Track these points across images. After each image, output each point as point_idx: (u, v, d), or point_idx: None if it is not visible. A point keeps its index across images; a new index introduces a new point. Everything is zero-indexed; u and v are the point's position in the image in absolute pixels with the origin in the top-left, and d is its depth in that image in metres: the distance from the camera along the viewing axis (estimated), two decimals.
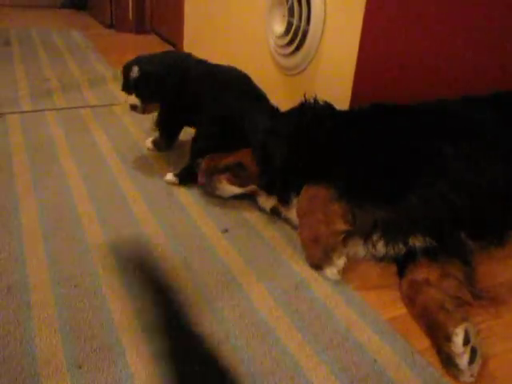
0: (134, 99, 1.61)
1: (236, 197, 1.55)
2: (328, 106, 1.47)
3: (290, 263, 1.27)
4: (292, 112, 1.53)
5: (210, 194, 1.56)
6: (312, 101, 1.48)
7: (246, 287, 1.17)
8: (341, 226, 1.25)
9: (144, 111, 1.65)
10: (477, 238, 1.28)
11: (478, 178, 1.30)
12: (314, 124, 1.44)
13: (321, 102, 1.48)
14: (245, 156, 1.52)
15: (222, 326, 1.05)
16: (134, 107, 1.63)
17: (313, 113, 1.46)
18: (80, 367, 0.92)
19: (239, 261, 1.27)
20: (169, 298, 1.10)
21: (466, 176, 1.28)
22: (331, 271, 1.22)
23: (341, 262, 1.22)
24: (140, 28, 4.24)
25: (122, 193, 1.56)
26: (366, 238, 1.27)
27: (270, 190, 1.47)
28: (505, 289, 1.24)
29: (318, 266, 1.24)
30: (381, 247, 1.27)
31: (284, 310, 1.11)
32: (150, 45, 3.81)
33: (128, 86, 1.61)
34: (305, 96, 1.49)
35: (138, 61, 1.61)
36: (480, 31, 1.76)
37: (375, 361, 0.99)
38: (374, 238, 1.26)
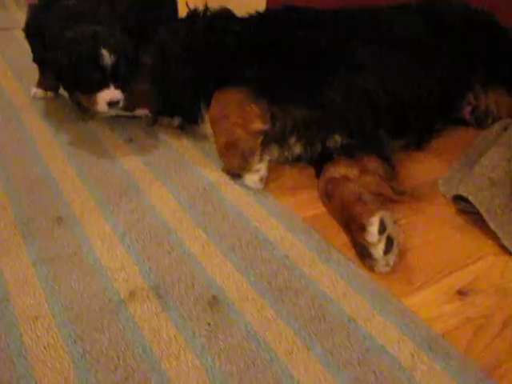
0: (115, 93, 1.17)
1: None
2: (227, 10, 1.34)
3: (198, 168, 1.17)
4: (183, 22, 1.37)
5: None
6: (202, 8, 1.34)
7: (148, 192, 1.06)
8: (259, 125, 1.13)
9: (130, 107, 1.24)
10: (396, 136, 1.21)
11: (397, 77, 1.26)
12: (218, 30, 1.30)
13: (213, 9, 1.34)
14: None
15: (117, 229, 0.93)
16: (115, 104, 1.18)
17: (211, 18, 1.31)
18: None
19: (142, 168, 1.15)
20: None
21: (385, 74, 1.24)
22: (251, 179, 1.11)
23: (262, 166, 1.11)
24: None
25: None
26: (282, 141, 1.17)
27: (171, 113, 1.32)
28: (426, 187, 1.18)
29: (236, 173, 1.13)
30: (298, 149, 1.17)
31: (189, 211, 1.01)
32: None
33: (93, 80, 1.15)
34: (187, 5, 1.35)
35: (95, 36, 1.14)
36: None
37: (287, 256, 0.91)
38: (291, 140, 1.16)
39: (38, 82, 1.46)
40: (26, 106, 1.41)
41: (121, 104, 1.16)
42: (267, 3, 1.55)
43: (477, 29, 1.44)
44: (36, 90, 1.46)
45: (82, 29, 1.14)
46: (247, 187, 1.10)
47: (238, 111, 1.15)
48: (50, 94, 1.46)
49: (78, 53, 1.10)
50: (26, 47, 1.74)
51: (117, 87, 1.14)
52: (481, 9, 1.50)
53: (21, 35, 1.88)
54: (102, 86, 1.13)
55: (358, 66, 1.22)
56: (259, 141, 1.13)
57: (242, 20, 1.33)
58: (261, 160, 1.11)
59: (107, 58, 1.11)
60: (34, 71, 1.50)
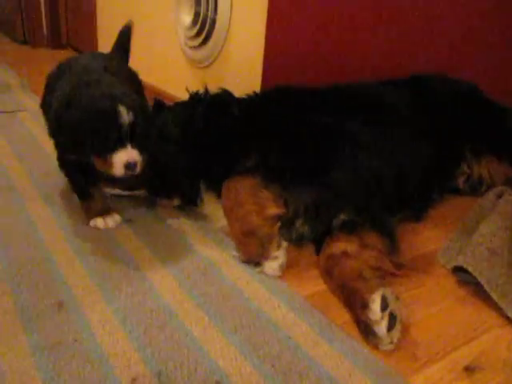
0: (132, 154, 1.06)
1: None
2: (226, 93, 1.39)
3: (198, 247, 1.17)
4: (184, 105, 1.42)
5: None
6: (203, 91, 1.39)
7: (148, 273, 1.05)
8: (274, 210, 1.14)
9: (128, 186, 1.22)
10: (397, 211, 1.23)
11: (397, 153, 1.31)
12: (216, 113, 1.35)
13: (213, 92, 1.39)
14: None
15: (118, 313, 0.92)
16: (133, 167, 1.07)
17: (210, 103, 1.36)
18: None
19: (142, 248, 1.15)
20: None
21: (387, 151, 1.29)
22: (271, 266, 1.08)
23: (280, 253, 1.09)
24: (56, 43, 4.07)
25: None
26: (291, 223, 1.18)
27: (169, 194, 1.34)
28: (426, 259, 1.19)
29: (255, 262, 1.10)
30: (304, 230, 1.18)
31: (189, 293, 1.00)
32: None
33: (111, 139, 1.05)
34: (187, 89, 1.40)
35: (112, 94, 1.07)
36: (390, 23, 1.74)
37: (289, 338, 0.90)
38: (299, 222, 1.17)
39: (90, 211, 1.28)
40: (28, 188, 1.43)
41: (138, 168, 1.06)
42: (262, 83, 1.61)
43: (462, 101, 1.49)
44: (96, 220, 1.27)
45: (98, 89, 1.08)
46: (247, 266, 1.10)
47: (251, 198, 1.16)
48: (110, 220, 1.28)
49: (96, 110, 1.03)
50: (29, 129, 1.79)
51: (134, 148, 1.05)
52: (464, 81, 1.57)
53: (24, 117, 1.95)
54: (119, 146, 1.04)
55: (361, 145, 1.25)
56: (277, 227, 1.13)
57: (240, 103, 1.37)
58: (279, 246, 1.10)
59: (125, 115, 1.03)
60: (35, 153, 1.53)
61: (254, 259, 1.10)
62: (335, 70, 1.70)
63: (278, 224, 1.13)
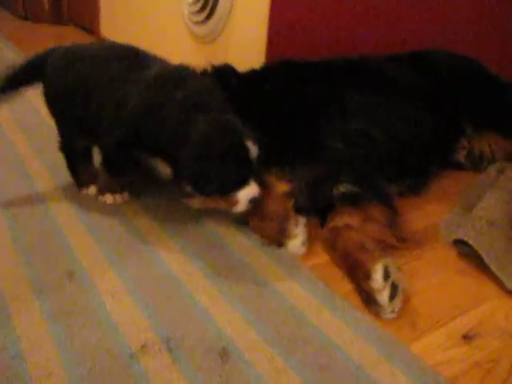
0: (255, 188, 1.01)
1: None
2: (228, 67, 1.39)
3: (206, 222, 1.19)
4: None
5: None
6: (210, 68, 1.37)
7: (156, 245, 1.08)
8: (283, 187, 1.16)
9: None
10: (394, 181, 1.24)
11: (394, 121, 1.33)
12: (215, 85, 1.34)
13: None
14: None
15: (127, 283, 0.95)
16: (255, 200, 1.02)
17: (211, 75, 1.36)
18: None
19: (150, 222, 1.17)
20: None
21: (382, 118, 1.31)
22: (293, 245, 1.09)
23: (300, 230, 1.08)
24: (57, 18, 4.03)
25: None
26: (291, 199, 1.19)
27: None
28: (427, 232, 1.21)
29: (278, 243, 1.10)
30: (306, 205, 1.19)
31: (197, 264, 1.03)
32: (68, 34, 3.62)
33: (239, 177, 0.98)
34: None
35: (234, 127, 0.98)
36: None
37: (294, 307, 0.93)
38: (300, 199, 1.18)
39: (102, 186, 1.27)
40: (35, 161, 1.44)
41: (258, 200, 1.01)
42: (266, 58, 1.61)
43: (465, 75, 1.50)
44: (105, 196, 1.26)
45: (212, 119, 0.97)
46: (253, 239, 1.12)
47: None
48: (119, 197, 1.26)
49: (226, 147, 0.94)
50: (33, 104, 1.79)
51: (255, 180, 0.99)
52: (467, 56, 1.57)
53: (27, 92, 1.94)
54: (245, 182, 0.98)
55: (355, 112, 1.26)
56: (290, 205, 1.13)
57: (241, 75, 1.37)
58: (297, 224, 1.09)
59: (253, 150, 0.96)
60: (40, 127, 1.54)
61: (276, 241, 1.10)
62: (340, 45, 1.70)
63: (292, 201, 1.13)
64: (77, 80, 1.12)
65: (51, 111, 1.22)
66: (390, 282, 0.92)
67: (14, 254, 1.03)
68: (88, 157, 1.28)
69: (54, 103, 1.20)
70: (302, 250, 1.09)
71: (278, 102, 1.27)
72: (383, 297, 0.91)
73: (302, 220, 1.11)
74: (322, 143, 1.22)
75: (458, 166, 1.54)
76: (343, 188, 1.17)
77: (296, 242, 1.09)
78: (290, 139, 1.23)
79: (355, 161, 1.21)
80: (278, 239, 1.10)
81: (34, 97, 1.96)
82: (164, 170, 1.05)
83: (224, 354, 0.82)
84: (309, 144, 1.22)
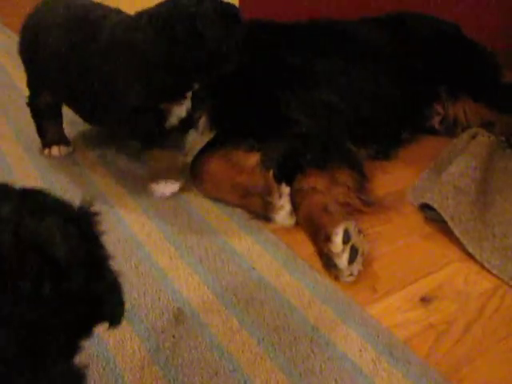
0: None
1: None
2: None
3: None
4: None
5: None
6: None
7: (117, 207, 1.07)
8: (253, 158, 1.14)
9: None
10: (361, 145, 1.23)
11: (359, 89, 1.30)
12: None
13: None
14: None
15: None
16: None
17: None
18: None
19: (112, 183, 1.16)
20: None
21: (347, 86, 1.29)
22: (280, 217, 1.05)
23: (284, 201, 1.06)
24: None
25: None
26: None
27: None
28: (395, 197, 1.20)
29: (265, 217, 1.07)
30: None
31: (157, 225, 1.02)
32: None
33: None
34: None
35: None
36: None
37: (253, 269, 0.92)
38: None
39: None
40: (1, 123, 1.41)
41: None
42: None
43: (442, 40, 1.47)
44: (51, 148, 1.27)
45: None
46: (214, 200, 1.10)
47: (228, 165, 1.14)
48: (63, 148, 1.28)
49: None
50: (1, 64, 1.74)
51: None
52: (446, 21, 1.54)
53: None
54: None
55: (318, 81, 1.24)
56: (270, 176, 1.09)
57: None
58: (281, 195, 1.06)
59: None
60: (7, 88, 1.50)
61: (262, 216, 1.07)
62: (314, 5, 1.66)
63: (271, 173, 1.10)
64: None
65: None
66: (349, 245, 0.92)
67: None
68: (55, 115, 1.23)
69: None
70: (291, 221, 1.06)
71: (241, 71, 1.23)
72: (342, 260, 0.90)
73: (286, 189, 1.07)
74: (287, 116, 1.19)
75: (432, 132, 1.53)
76: (310, 155, 1.15)
77: (283, 213, 1.06)
78: (255, 112, 1.20)
79: (320, 132, 1.19)
80: (263, 213, 1.06)
81: None
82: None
83: (179, 315, 0.81)
84: (274, 117, 1.19)
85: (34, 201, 0.46)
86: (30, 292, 0.40)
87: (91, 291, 0.46)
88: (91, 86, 1.02)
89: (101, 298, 0.47)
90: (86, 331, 0.48)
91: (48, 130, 1.23)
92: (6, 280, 0.39)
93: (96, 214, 0.50)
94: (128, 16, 1.03)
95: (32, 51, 1.12)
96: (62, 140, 1.24)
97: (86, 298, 0.45)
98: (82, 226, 0.47)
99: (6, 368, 0.38)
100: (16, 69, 1.76)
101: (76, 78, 1.05)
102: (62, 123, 1.25)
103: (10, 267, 0.40)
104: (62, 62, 1.06)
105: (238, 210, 1.09)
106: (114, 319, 0.50)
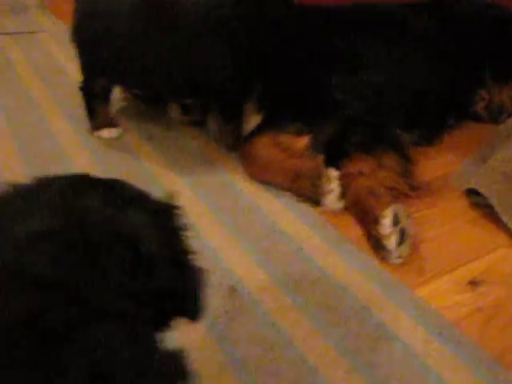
0: None
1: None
2: None
3: (218, 165, 1.20)
4: None
5: None
6: None
7: (166, 185, 1.09)
8: (302, 141, 1.14)
9: None
10: (406, 130, 1.23)
11: (406, 72, 1.30)
12: None
13: None
14: None
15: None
16: None
17: None
18: None
19: (161, 163, 1.18)
20: None
21: (394, 69, 1.28)
22: (329, 200, 1.06)
23: (333, 184, 1.07)
24: None
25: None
26: None
27: None
28: (440, 181, 1.20)
29: (314, 201, 1.08)
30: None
31: (207, 206, 1.04)
32: None
33: None
34: None
35: None
36: None
37: (301, 249, 0.94)
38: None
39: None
40: (52, 105, 1.45)
41: None
42: None
43: (490, 24, 1.45)
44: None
45: None
46: (262, 182, 1.12)
47: (276, 149, 1.15)
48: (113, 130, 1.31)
49: None
50: (50, 50, 1.79)
51: None
52: (495, 3, 1.51)
53: (44, 38, 1.94)
54: None
55: (364, 64, 1.24)
56: (320, 160, 1.10)
57: None
58: (330, 178, 1.07)
59: None
60: (57, 74, 1.54)
61: (311, 199, 1.08)
62: None
63: (321, 156, 1.11)
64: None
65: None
66: (398, 227, 0.93)
67: None
68: (107, 98, 1.28)
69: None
70: (339, 204, 1.07)
71: (286, 54, 1.25)
72: (391, 242, 0.92)
73: (335, 174, 1.08)
74: (334, 98, 1.20)
75: (477, 118, 1.51)
76: (356, 139, 1.15)
77: (332, 197, 1.07)
78: (303, 95, 1.21)
79: (364, 113, 1.19)
80: (313, 197, 1.08)
81: (46, 40, 1.95)
82: None
83: (232, 292, 0.84)
84: (321, 100, 1.20)
85: (120, 194, 0.47)
86: (118, 284, 0.40)
87: (175, 285, 0.46)
88: (181, 63, 1.10)
89: (183, 293, 0.48)
90: (165, 325, 0.48)
91: (99, 113, 1.26)
92: (96, 272, 0.40)
93: (178, 207, 0.50)
94: None
95: (90, 37, 1.14)
96: (112, 122, 1.28)
97: (169, 293, 0.45)
98: (166, 219, 0.48)
99: None
100: (62, 53, 1.81)
101: (158, 58, 1.12)
102: (110, 107, 1.28)
103: (100, 259, 0.40)
104: (134, 46, 1.11)
105: (286, 193, 1.10)
106: (194, 314, 0.51)
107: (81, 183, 0.47)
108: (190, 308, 0.50)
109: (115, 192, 0.47)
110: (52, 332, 0.36)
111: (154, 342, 0.44)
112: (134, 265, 0.42)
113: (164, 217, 0.48)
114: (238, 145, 1.21)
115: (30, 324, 0.36)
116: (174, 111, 1.35)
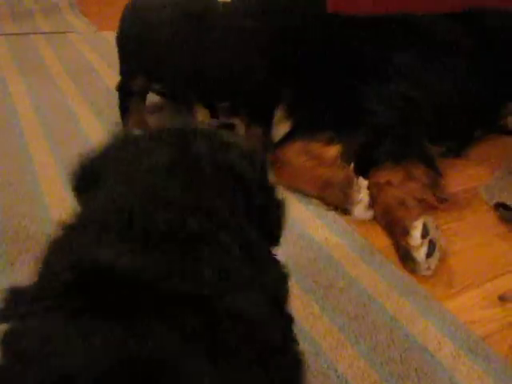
0: None
1: None
2: None
3: None
4: None
5: None
6: None
7: None
8: (332, 150, 1.14)
9: None
10: (435, 142, 1.22)
11: (437, 84, 1.29)
12: None
13: None
14: None
15: None
16: None
17: None
18: None
19: None
20: None
21: (426, 80, 1.28)
22: (357, 210, 1.07)
23: (363, 195, 1.07)
24: None
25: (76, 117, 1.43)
26: None
27: None
28: (468, 194, 1.20)
29: (343, 210, 1.09)
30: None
31: None
32: None
33: None
34: None
35: None
36: None
37: (331, 257, 0.94)
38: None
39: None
40: (83, 105, 1.47)
41: None
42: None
43: None
44: None
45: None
46: (293, 190, 1.13)
47: (306, 157, 1.16)
48: None
49: None
50: (80, 50, 1.81)
51: None
52: None
53: (75, 39, 1.97)
54: None
55: (395, 74, 1.24)
56: (350, 169, 1.11)
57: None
58: (360, 188, 1.08)
59: None
60: (88, 74, 1.57)
61: (340, 208, 1.09)
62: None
63: (351, 166, 1.12)
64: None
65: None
66: (428, 239, 0.93)
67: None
68: (143, 99, 1.33)
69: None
70: (368, 214, 1.07)
71: (319, 62, 1.25)
72: (420, 253, 0.92)
73: (364, 183, 1.08)
74: (365, 107, 1.20)
75: (505, 132, 1.50)
76: (386, 149, 1.15)
77: (361, 206, 1.07)
78: (334, 103, 1.21)
79: (396, 123, 1.19)
80: (342, 206, 1.08)
81: (77, 41, 1.98)
82: None
83: None
84: (352, 108, 1.20)
85: (220, 139, 0.60)
86: (233, 202, 0.53)
87: (266, 203, 0.60)
88: (214, 65, 1.17)
89: (270, 217, 0.62)
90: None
91: (132, 113, 1.28)
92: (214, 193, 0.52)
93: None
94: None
95: (135, 41, 1.23)
96: (144, 124, 1.29)
97: (263, 210, 0.58)
98: (255, 159, 0.60)
99: None
100: (93, 53, 1.83)
101: (194, 60, 1.17)
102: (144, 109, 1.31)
103: (211, 187, 0.52)
104: (174, 50, 1.18)
105: (314, 200, 1.10)
106: (276, 239, 0.67)
107: (188, 131, 0.59)
108: (274, 231, 0.65)
109: (217, 138, 0.60)
110: (191, 236, 0.45)
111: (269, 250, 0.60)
112: (239, 188, 0.55)
113: (251, 158, 0.60)
114: (265, 150, 1.22)
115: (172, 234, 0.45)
116: (203, 114, 1.35)
